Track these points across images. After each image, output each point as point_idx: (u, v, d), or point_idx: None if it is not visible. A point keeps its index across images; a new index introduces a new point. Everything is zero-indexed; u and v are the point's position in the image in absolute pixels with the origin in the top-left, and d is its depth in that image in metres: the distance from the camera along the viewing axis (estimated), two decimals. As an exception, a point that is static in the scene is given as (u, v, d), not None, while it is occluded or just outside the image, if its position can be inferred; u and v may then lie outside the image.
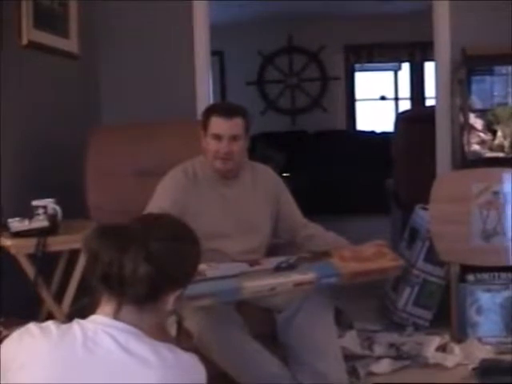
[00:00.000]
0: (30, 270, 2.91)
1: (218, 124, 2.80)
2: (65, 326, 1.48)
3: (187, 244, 1.59)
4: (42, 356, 1.43)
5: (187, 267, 1.59)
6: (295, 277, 2.53)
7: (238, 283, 2.45)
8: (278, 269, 2.58)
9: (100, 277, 1.49)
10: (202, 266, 2.52)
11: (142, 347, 1.45)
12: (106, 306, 1.51)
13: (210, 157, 2.84)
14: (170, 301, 1.55)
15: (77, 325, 1.48)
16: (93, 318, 1.50)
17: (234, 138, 2.80)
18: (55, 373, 1.41)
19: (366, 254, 2.69)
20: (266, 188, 2.98)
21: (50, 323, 1.50)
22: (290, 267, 2.59)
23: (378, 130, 8.75)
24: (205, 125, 2.83)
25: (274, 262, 2.64)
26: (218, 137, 2.79)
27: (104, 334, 1.45)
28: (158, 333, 1.58)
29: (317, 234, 2.97)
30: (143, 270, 1.46)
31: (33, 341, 1.46)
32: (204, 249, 2.75)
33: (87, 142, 3.53)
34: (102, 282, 1.50)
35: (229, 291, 2.46)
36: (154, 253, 1.48)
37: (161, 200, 2.84)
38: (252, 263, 2.64)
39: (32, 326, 1.49)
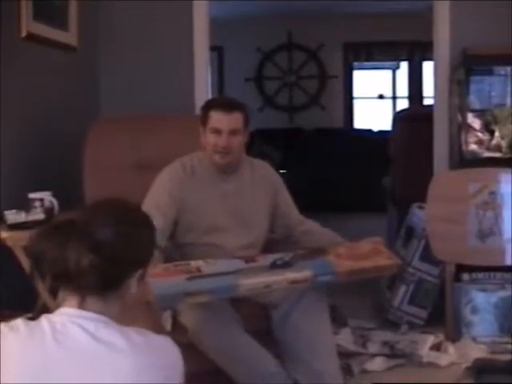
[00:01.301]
0: (26, 262, 2.91)
1: (217, 118, 2.79)
2: (33, 323, 1.47)
3: (135, 226, 1.56)
4: (13, 355, 1.43)
5: (140, 248, 1.56)
6: (290, 275, 2.53)
7: (234, 280, 2.45)
8: (274, 266, 2.58)
9: (50, 276, 1.49)
10: (199, 263, 2.53)
11: (112, 333, 1.45)
12: (71, 300, 1.50)
13: (208, 151, 2.84)
14: (133, 283, 1.54)
15: (45, 319, 1.47)
16: (60, 310, 1.50)
17: (233, 133, 2.79)
18: (28, 369, 1.41)
19: (362, 252, 2.69)
20: (264, 184, 2.98)
21: (18, 321, 1.49)
22: (286, 265, 2.59)
23: (376, 128, 8.75)
24: (204, 119, 2.83)
25: (269, 258, 2.64)
26: (217, 131, 2.79)
27: (72, 324, 1.45)
28: (128, 317, 1.59)
29: (313, 230, 2.98)
30: (87, 260, 1.44)
31: (2, 341, 1.45)
32: (202, 243, 2.79)
33: (86, 134, 3.53)
34: (53, 280, 1.50)
35: (225, 288, 2.47)
36: (100, 240, 1.47)
37: (158, 194, 2.84)
38: (248, 260, 2.64)
39: (1, 326, 1.48)
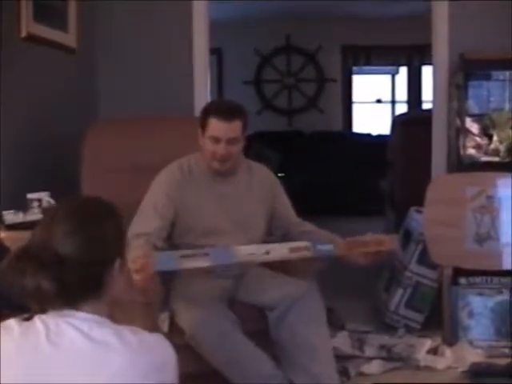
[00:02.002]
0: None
1: (216, 127, 2.77)
2: (27, 323, 1.47)
3: (97, 224, 1.52)
4: (7, 356, 1.42)
5: (108, 244, 1.53)
6: (290, 243, 2.54)
7: (232, 247, 2.48)
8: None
9: (29, 300, 1.47)
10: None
11: (106, 333, 1.45)
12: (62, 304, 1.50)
13: (207, 156, 2.84)
14: (115, 275, 1.53)
15: (38, 319, 1.47)
16: (53, 311, 1.49)
17: (231, 141, 2.78)
18: (22, 370, 1.41)
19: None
20: (262, 186, 2.98)
21: (12, 321, 1.49)
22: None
23: (375, 132, 8.76)
24: (203, 124, 2.81)
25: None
26: (216, 139, 2.77)
27: (66, 324, 1.45)
28: (125, 318, 1.59)
29: (310, 231, 2.97)
30: (45, 283, 1.43)
31: None
32: (199, 245, 2.79)
33: (85, 136, 3.53)
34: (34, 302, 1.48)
35: (222, 252, 2.46)
36: (66, 254, 1.45)
37: (155, 196, 2.84)
38: None
39: None
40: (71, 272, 1.45)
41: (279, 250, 2.50)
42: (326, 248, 2.56)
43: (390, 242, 2.71)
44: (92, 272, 1.49)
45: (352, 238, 2.65)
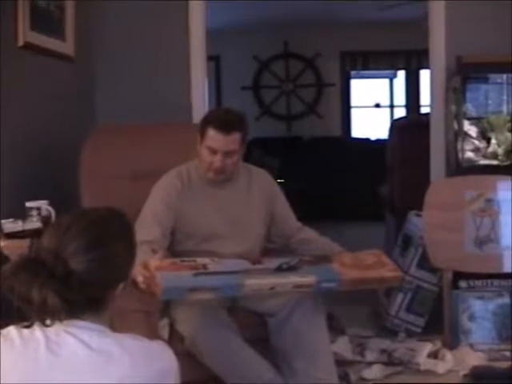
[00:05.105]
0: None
1: (214, 138, 2.74)
2: (26, 332, 1.46)
3: (108, 244, 1.51)
4: (7, 365, 1.42)
5: (118, 267, 1.53)
6: (295, 279, 2.53)
7: (239, 280, 2.46)
8: (279, 269, 2.59)
9: (34, 313, 1.46)
10: (205, 260, 2.55)
11: (106, 342, 1.45)
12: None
13: (203, 166, 2.83)
14: (117, 295, 1.53)
15: (38, 328, 1.46)
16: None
17: (228, 154, 2.77)
18: (21, 380, 1.41)
19: (367, 263, 2.69)
20: (262, 191, 2.98)
21: (11, 329, 1.48)
22: (291, 269, 2.60)
23: (373, 137, 8.76)
24: (202, 133, 2.80)
25: (275, 262, 2.65)
26: (213, 150, 2.76)
27: (66, 334, 1.44)
28: (126, 326, 1.59)
29: (311, 238, 2.97)
30: (52, 299, 1.41)
31: None
32: (199, 251, 2.79)
33: (83, 144, 3.53)
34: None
35: (229, 286, 2.47)
36: (74, 269, 1.44)
37: (155, 204, 2.84)
38: (253, 261, 2.65)
39: None
40: (74, 288, 1.43)
41: (284, 287, 2.53)
42: (330, 285, 2.59)
43: (394, 280, 2.76)
44: (95, 292, 1.48)
45: (354, 260, 2.67)
